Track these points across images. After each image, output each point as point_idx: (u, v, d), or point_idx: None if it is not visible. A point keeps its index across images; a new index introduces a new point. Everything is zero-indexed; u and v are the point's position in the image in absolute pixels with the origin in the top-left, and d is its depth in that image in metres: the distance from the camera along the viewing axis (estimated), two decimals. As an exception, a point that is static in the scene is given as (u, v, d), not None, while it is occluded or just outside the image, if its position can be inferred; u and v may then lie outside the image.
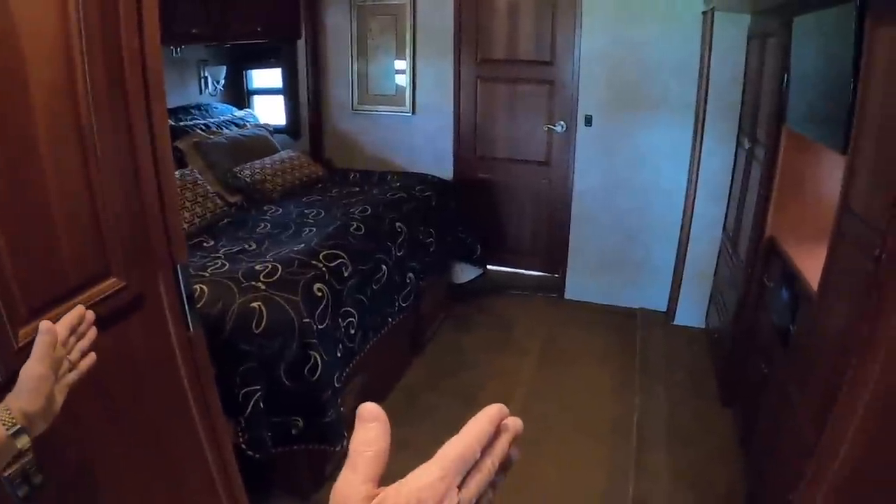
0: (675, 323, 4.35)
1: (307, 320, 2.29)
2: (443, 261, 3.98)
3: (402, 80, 4.63)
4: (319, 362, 2.27)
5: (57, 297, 1.11)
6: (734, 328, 3.25)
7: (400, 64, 4.61)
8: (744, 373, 3.08)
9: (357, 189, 3.90)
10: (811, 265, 2.34)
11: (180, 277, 1.43)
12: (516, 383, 3.54)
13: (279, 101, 5.04)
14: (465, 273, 4.44)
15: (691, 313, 4.30)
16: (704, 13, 3.75)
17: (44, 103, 1.06)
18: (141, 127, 1.28)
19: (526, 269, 4.85)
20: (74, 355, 0.96)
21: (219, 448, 1.62)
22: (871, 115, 1.72)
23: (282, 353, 2.23)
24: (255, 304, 2.24)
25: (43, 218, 1.09)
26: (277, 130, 4.80)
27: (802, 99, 2.50)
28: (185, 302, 1.45)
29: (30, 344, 0.91)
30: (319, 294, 2.42)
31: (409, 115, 4.67)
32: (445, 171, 4.66)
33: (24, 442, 0.85)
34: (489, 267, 4.62)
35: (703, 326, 4.23)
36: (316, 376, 2.27)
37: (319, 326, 2.35)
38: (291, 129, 4.94)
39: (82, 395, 1.00)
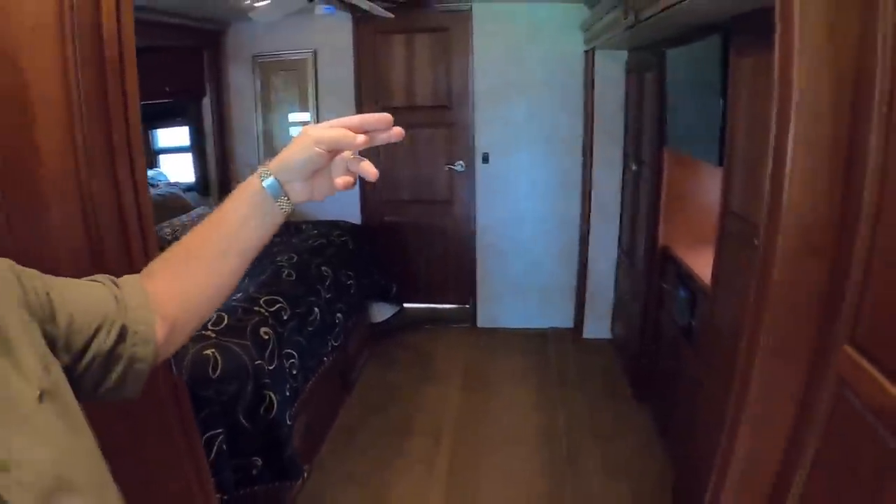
0: (584, 337, 4.67)
1: (259, 362, 2.40)
2: (362, 301, 4.13)
3: (304, 134, 4.77)
4: (275, 401, 2.38)
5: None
6: (640, 332, 3.58)
7: (304, 117, 4.75)
8: (653, 370, 3.41)
9: (277, 239, 3.96)
10: (702, 264, 2.69)
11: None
12: (445, 410, 3.71)
13: (187, 158, 5.07)
14: (381, 312, 4.59)
15: (597, 326, 4.63)
16: (586, 52, 4.18)
17: (51, 165, 1.19)
18: (126, 182, 1.40)
19: (438, 304, 5.03)
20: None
21: (203, 489, 1.71)
22: (738, 131, 2.07)
23: (239, 396, 2.33)
24: (208, 352, 2.33)
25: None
26: (187, 188, 4.82)
27: (679, 122, 2.88)
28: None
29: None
30: (266, 337, 2.54)
31: (315, 165, 4.81)
32: (353, 216, 4.81)
33: (275, 190, 0.87)
34: (405, 305, 4.79)
35: (610, 337, 4.58)
36: (272, 415, 2.38)
37: (269, 367, 2.47)
38: (201, 186, 4.97)
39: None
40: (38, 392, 0.64)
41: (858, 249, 1.16)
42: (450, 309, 5.02)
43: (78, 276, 1.21)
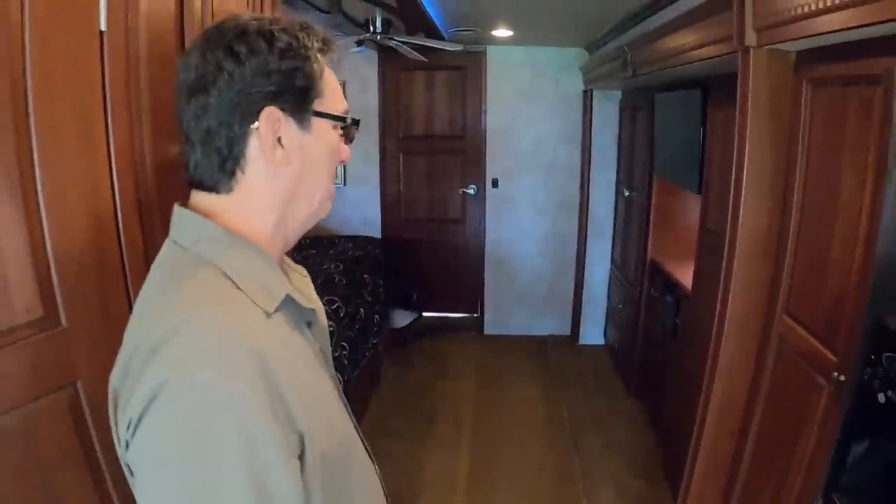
0: (580, 343, 5.25)
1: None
2: (387, 308, 4.68)
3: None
4: (341, 382, 2.92)
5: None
6: (632, 334, 4.15)
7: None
8: (644, 368, 3.98)
9: (314, 251, 4.54)
10: (684, 274, 3.27)
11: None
12: (464, 402, 4.26)
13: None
14: (401, 318, 5.13)
15: (592, 333, 5.23)
16: (585, 92, 4.81)
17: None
18: None
19: (449, 312, 5.56)
20: None
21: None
22: (713, 167, 2.67)
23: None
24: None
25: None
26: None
27: (665, 155, 3.47)
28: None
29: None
30: (331, 329, 3.07)
31: (341, 186, 5.31)
32: (374, 233, 5.33)
33: None
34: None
35: (603, 343, 5.17)
36: (338, 392, 2.92)
37: (335, 354, 3.01)
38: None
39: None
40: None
41: (788, 253, 1.76)
42: (459, 318, 5.56)
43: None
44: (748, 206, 1.80)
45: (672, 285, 3.41)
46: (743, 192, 1.79)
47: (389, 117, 5.21)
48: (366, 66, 5.11)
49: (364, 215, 5.37)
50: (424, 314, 5.43)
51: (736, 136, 1.82)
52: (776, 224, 1.82)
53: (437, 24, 3.64)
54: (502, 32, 4.19)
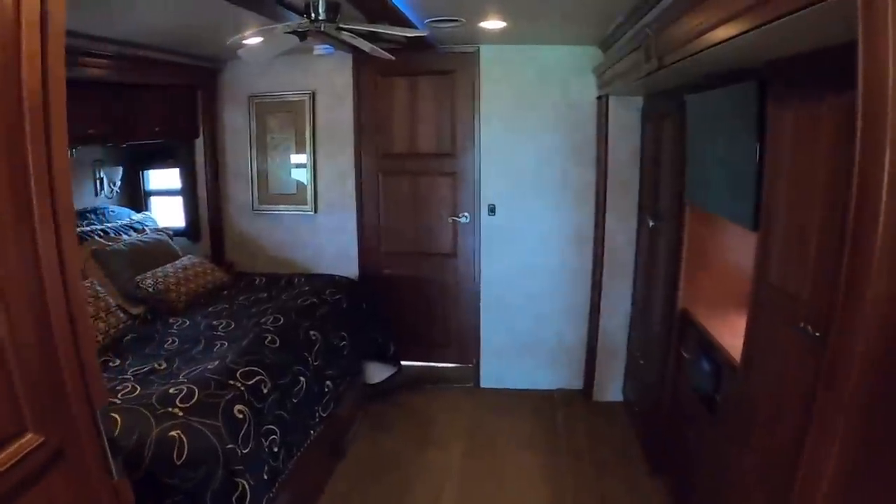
0: (593, 399, 4.40)
1: (231, 446, 2.12)
2: (356, 363, 3.85)
3: (304, 177, 4.58)
4: (248, 489, 2.10)
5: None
6: (657, 399, 3.29)
7: (301, 160, 4.57)
8: (670, 442, 3.11)
9: (265, 295, 3.76)
10: (727, 333, 2.44)
11: (100, 423, 1.28)
12: (444, 479, 3.43)
13: (178, 201, 4.86)
14: (378, 372, 4.30)
15: (608, 388, 4.38)
16: (599, 98, 4.01)
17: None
18: (50, 255, 1.14)
19: (439, 362, 4.76)
20: None
21: None
22: (778, 193, 1.81)
23: (207, 484, 2.04)
24: (174, 433, 2.06)
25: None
26: (177, 233, 4.58)
27: (702, 176, 2.63)
28: (108, 449, 1.30)
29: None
30: (241, 416, 2.26)
31: (312, 213, 4.61)
32: (350, 268, 4.61)
33: None
34: (403, 363, 4.51)
35: (622, 400, 4.31)
36: (245, 505, 2.10)
37: (244, 451, 2.19)
38: (191, 231, 4.76)
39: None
40: None
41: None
42: (451, 368, 4.75)
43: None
44: (884, 263, 0.95)
45: (709, 347, 2.56)
46: (878, 242, 0.93)
47: (366, 132, 4.47)
48: (338, 73, 4.41)
49: (339, 247, 4.63)
50: (411, 363, 4.61)
51: (858, 136, 0.95)
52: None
53: (403, 10, 2.85)
54: (493, 24, 3.39)
